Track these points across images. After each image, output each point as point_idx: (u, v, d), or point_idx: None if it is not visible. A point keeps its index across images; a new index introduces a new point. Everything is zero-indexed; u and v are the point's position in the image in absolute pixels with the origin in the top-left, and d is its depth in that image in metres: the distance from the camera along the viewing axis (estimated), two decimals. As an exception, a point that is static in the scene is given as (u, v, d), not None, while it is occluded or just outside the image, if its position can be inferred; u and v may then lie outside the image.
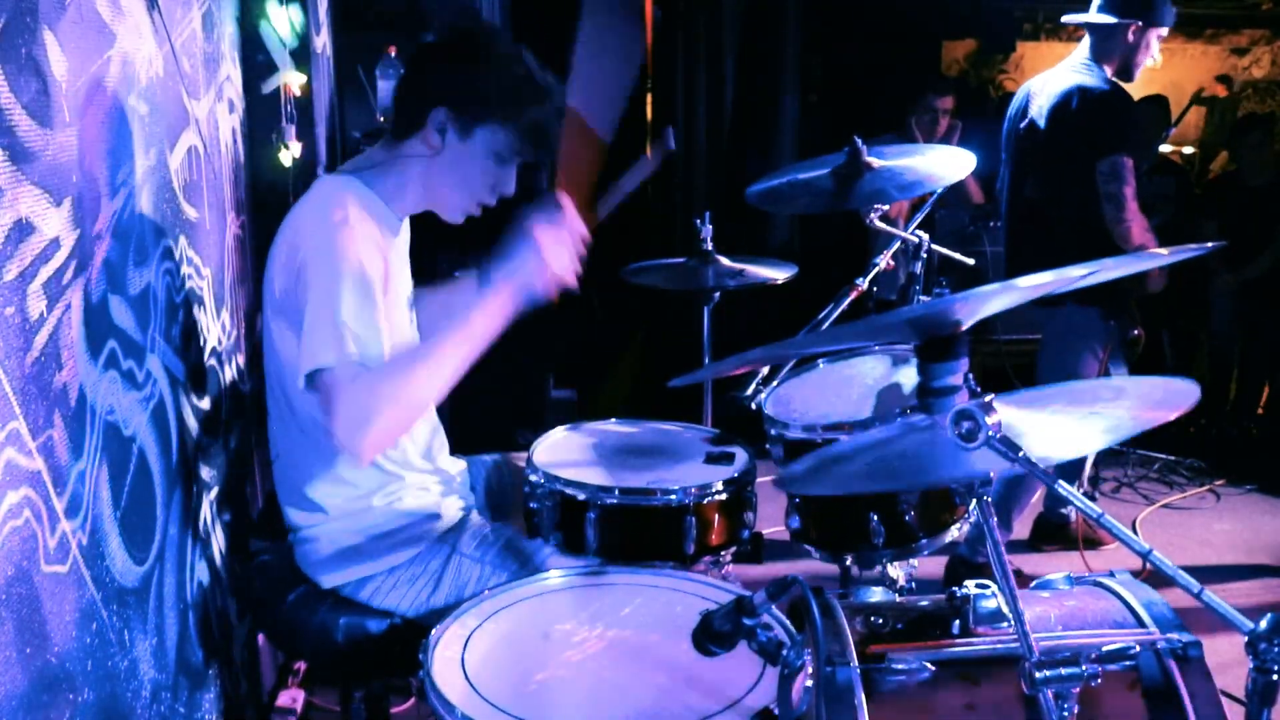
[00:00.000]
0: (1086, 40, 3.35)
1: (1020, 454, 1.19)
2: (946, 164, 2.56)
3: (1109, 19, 3.26)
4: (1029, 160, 3.44)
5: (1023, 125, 3.45)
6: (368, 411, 1.61)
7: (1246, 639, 1.08)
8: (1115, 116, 3.23)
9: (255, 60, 2.68)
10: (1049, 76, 3.40)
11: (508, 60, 1.82)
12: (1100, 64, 3.29)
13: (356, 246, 1.70)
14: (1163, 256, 1.25)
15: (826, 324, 2.49)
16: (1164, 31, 3.31)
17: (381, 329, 1.68)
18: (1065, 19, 3.42)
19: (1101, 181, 3.18)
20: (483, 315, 1.73)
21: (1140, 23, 3.24)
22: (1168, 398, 1.32)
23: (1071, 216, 3.28)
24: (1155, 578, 1.36)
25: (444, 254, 3.52)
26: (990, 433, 1.20)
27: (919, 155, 2.64)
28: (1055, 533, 3.76)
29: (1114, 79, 3.28)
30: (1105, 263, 1.16)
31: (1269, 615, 1.07)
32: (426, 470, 2.00)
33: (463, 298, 1.99)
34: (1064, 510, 3.72)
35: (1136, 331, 3.34)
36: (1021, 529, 3.70)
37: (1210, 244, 1.21)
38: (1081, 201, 3.24)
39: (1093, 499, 4.09)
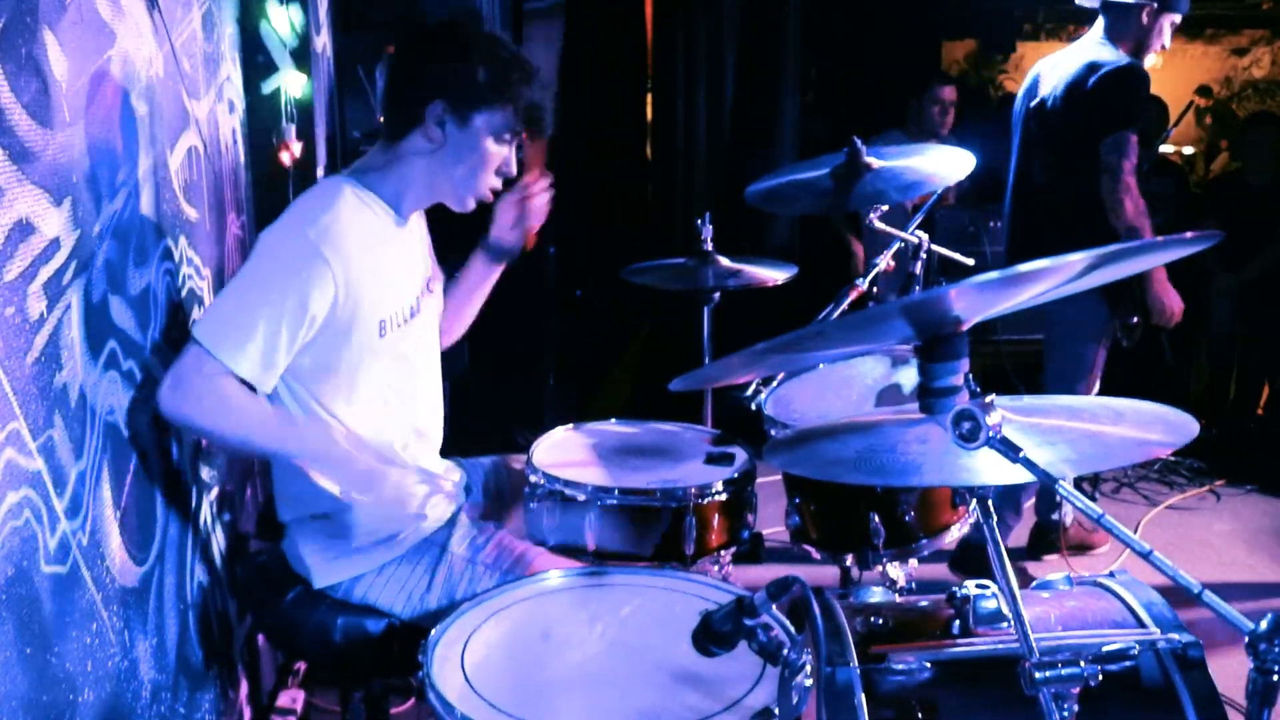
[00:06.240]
0: (1100, 22, 3.30)
1: (1020, 454, 1.19)
2: (947, 164, 2.55)
3: None
4: (1038, 142, 3.38)
5: (1032, 105, 3.39)
6: (204, 405, 1.69)
7: (1246, 639, 1.07)
8: (1129, 92, 3.16)
9: (255, 60, 2.67)
10: (1060, 56, 3.35)
11: (492, 44, 1.86)
12: (1114, 44, 3.25)
13: (314, 270, 1.73)
14: (1158, 246, 1.24)
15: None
16: (1177, 18, 3.26)
17: (282, 358, 1.74)
18: (1079, 1, 3.38)
19: (1103, 153, 3.13)
20: (290, 442, 1.80)
21: (1155, 4, 3.19)
22: (1166, 429, 1.32)
23: (1081, 200, 3.21)
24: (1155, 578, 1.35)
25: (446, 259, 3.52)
26: (991, 433, 1.20)
27: (919, 155, 2.63)
28: (1054, 540, 3.70)
29: (1130, 57, 3.23)
30: (1096, 253, 1.14)
31: (1269, 615, 1.07)
32: (410, 474, 1.99)
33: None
34: (1055, 517, 3.66)
35: (1136, 319, 3.32)
36: (1020, 532, 3.69)
37: (1208, 233, 1.19)
38: (1091, 184, 3.17)
39: (1093, 499, 4.08)
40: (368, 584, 1.90)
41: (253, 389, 1.74)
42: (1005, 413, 1.24)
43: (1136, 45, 3.26)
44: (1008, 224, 3.56)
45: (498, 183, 1.92)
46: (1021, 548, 3.71)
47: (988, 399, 1.24)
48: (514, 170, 1.92)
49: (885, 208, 2.60)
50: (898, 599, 2.23)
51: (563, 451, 2.30)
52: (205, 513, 2.12)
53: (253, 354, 1.70)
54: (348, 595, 1.91)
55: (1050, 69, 3.37)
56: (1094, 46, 3.28)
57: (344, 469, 1.81)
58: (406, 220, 1.94)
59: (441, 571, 1.90)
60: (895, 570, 2.42)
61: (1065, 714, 1.23)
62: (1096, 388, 3.42)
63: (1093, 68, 3.20)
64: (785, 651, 1.25)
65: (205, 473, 2.13)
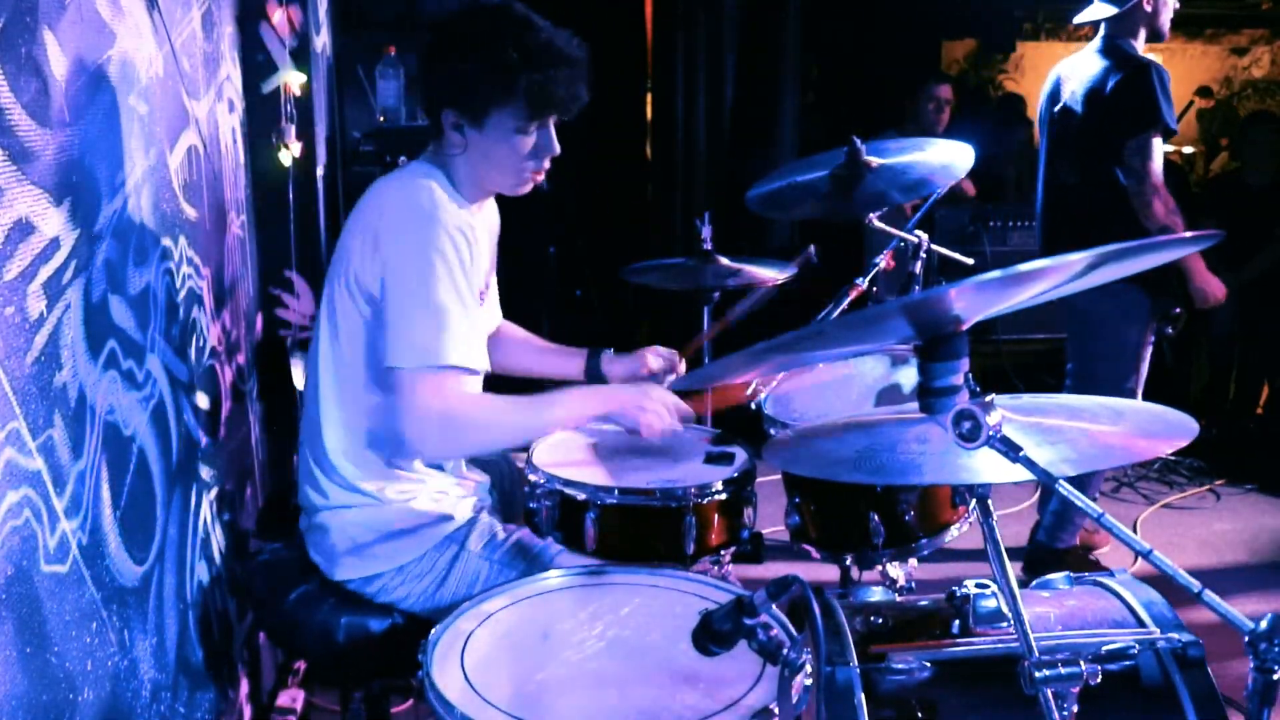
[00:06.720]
0: (1104, 25, 3.31)
1: (1020, 453, 1.19)
2: (948, 158, 2.54)
3: (1113, 9, 3.23)
4: (1064, 145, 3.41)
5: (1056, 110, 3.42)
6: (465, 426, 1.80)
7: (1246, 639, 1.08)
8: (1147, 94, 3.17)
9: (255, 60, 2.68)
10: (1079, 60, 3.37)
11: (488, 41, 1.79)
12: (1127, 39, 3.26)
13: (447, 237, 1.77)
14: (1159, 246, 1.24)
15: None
16: None
17: (476, 331, 1.82)
18: (1077, 20, 3.38)
19: (1126, 156, 3.16)
20: (576, 411, 1.96)
21: None
22: (1166, 429, 1.32)
23: (1098, 203, 3.25)
24: (1155, 578, 1.36)
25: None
26: (991, 432, 1.20)
27: (920, 151, 2.62)
28: (1051, 562, 3.63)
29: (1144, 53, 3.24)
30: (1095, 253, 1.14)
31: (1269, 615, 1.07)
32: (446, 476, 2.00)
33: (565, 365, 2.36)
34: (1059, 547, 3.62)
35: (1179, 310, 3.33)
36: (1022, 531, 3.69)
37: (1208, 233, 1.19)
38: (1118, 185, 3.20)
39: (1093, 499, 4.07)
40: (384, 581, 1.90)
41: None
42: (1005, 412, 1.24)
43: (1150, 30, 3.28)
44: (1039, 226, 3.59)
45: (544, 163, 1.91)
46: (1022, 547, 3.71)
47: (988, 398, 1.24)
48: (556, 148, 1.89)
49: (885, 207, 2.60)
50: (898, 599, 2.23)
51: (563, 451, 2.30)
52: (205, 513, 2.12)
53: (460, 341, 1.75)
54: (360, 590, 1.91)
55: (1071, 71, 3.39)
56: (1108, 49, 3.29)
57: (618, 405, 1.96)
58: (469, 206, 1.94)
59: (457, 569, 1.90)
60: (895, 570, 2.42)
61: (1065, 714, 1.23)
62: (1142, 387, 3.40)
63: (1110, 71, 3.22)
64: (785, 651, 1.25)
65: (205, 472, 2.13)
